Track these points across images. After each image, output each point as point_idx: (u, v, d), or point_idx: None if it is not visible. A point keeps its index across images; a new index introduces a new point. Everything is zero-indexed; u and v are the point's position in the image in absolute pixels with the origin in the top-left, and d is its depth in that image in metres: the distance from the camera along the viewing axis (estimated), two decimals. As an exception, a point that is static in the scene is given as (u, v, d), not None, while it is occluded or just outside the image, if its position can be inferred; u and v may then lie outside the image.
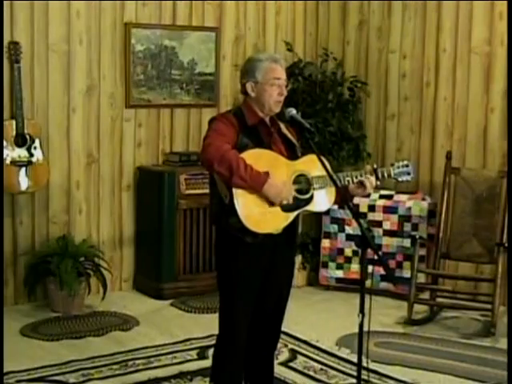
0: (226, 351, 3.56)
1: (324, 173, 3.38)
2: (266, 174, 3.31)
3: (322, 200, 3.48)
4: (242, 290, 3.46)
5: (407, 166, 3.64)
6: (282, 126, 3.58)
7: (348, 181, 3.49)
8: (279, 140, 3.52)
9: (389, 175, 3.60)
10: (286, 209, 3.38)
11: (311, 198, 3.44)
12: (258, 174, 3.28)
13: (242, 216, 3.28)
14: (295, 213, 3.42)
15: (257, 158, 3.32)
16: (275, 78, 3.42)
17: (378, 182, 3.57)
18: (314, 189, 3.42)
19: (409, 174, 3.64)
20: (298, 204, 3.41)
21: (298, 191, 3.42)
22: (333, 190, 3.47)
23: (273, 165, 3.36)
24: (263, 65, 3.43)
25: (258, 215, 3.32)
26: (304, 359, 4.69)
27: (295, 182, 3.42)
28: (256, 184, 3.27)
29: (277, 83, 3.43)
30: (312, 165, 3.44)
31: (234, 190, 3.28)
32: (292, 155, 3.50)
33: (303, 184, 3.43)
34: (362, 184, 3.51)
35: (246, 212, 3.29)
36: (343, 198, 3.48)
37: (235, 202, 3.28)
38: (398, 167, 3.63)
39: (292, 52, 6.47)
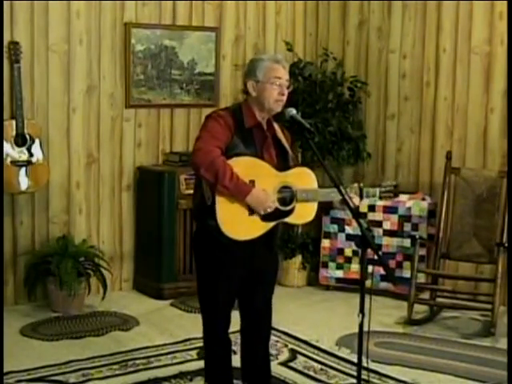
0: (213, 348, 3.65)
1: (310, 186, 3.46)
2: (251, 184, 3.35)
3: (303, 213, 3.52)
4: (221, 288, 3.52)
5: (395, 186, 3.72)
6: (279, 130, 3.59)
7: (333, 197, 3.51)
8: (272, 145, 3.54)
9: (373, 196, 3.66)
10: (266, 218, 3.41)
11: (292, 210, 3.47)
12: (242, 185, 3.32)
13: (220, 221, 3.34)
14: (273, 223, 3.46)
15: (244, 167, 3.35)
16: (276, 78, 3.43)
17: (362, 201, 3.66)
18: (296, 201, 3.45)
19: (394, 194, 3.74)
20: (277, 215, 3.44)
21: (281, 202, 3.44)
22: (315, 204, 3.53)
23: (260, 174, 3.40)
24: (264, 64, 3.45)
25: (236, 222, 3.37)
26: (304, 359, 4.68)
27: (279, 192, 3.45)
28: (239, 194, 3.32)
29: (277, 82, 3.44)
30: (299, 178, 3.49)
31: (217, 196, 3.33)
32: (283, 162, 3.53)
33: (286, 196, 3.46)
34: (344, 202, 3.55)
35: (224, 217, 3.34)
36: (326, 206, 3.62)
37: (216, 206, 3.34)
38: (386, 187, 3.68)
39: (292, 52, 6.47)
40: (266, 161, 3.45)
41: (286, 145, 3.58)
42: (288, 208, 3.45)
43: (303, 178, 3.49)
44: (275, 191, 3.42)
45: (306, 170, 3.53)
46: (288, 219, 3.48)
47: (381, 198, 3.72)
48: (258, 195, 3.34)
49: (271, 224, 3.45)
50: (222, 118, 3.44)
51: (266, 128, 3.53)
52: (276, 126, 3.58)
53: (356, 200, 3.54)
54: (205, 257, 3.55)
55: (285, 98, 3.47)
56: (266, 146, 3.50)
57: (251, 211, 3.38)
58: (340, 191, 3.33)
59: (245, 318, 3.69)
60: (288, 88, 3.49)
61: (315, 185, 3.52)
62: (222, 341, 3.63)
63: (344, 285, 6.09)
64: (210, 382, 3.69)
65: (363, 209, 5.98)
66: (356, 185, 3.62)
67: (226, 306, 3.58)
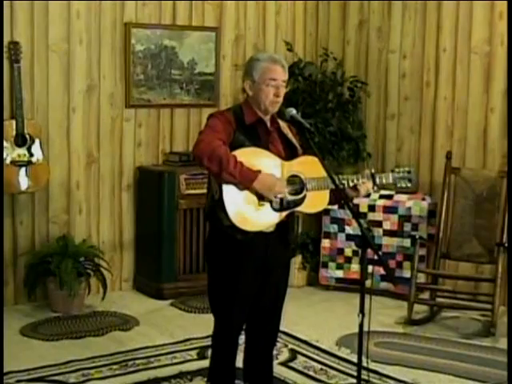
0: (224, 349, 3.60)
1: (318, 175, 3.38)
2: (258, 170, 3.30)
3: (315, 202, 3.47)
4: (237, 288, 3.46)
5: (409, 172, 3.61)
6: (284, 125, 3.57)
7: (344, 184, 3.49)
8: (278, 139, 3.51)
9: (387, 182, 3.59)
10: (277, 209, 3.38)
11: (303, 198, 3.43)
12: (248, 171, 3.28)
13: (230, 212, 3.29)
14: (285, 213, 3.42)
15: (250, 157, 3.32)
16: (271, 79, 3.41)
17: (375, 188, 3.57)
18: (307, 190, 3.42)
19: (410, 180, 3.60)
20: (289, 204, 3.41)
21: (291, 191, 3.41)
22: (326, 192, 3.47)
23: (266, 164, 3.36)
24: (261, 65, 3.43)
25: (246, 213, 3.32)
26: (304, 359, 4.69)
27: (289, 182, 3.41)
28: (246, 180, 3.27)
29: (273, 84, 3.42)
30: (307, 166, 3.44)
31: (224, 186, 3.29)
32: (291, 156, 3.49)
33: (296, 184, 3.43)
34: (356, 188, 3.52)
35: (234, 208, 3.29)
36: (338, 199, 3.52)
37: (224, 197, 3.29)
38: (399, 172, 3.61)
39: (292, 52, 6.47)
40: (273, 153, 3.43)
41: (294, 139, 3.55)
42: (299, 197, 3.41)
43: (310, 166, 3.41)
44: (284, 179, 3.38)
45: (312, 158, 3.40)
46: (299, 208, 3.43)
47: (397, 185, 3.58)
48: (265, 180, 3.29)
49: (283, 214, 3.39)
50: (221, 116, 3.44)
51: (270, 124, 3.51)
52: (281, 122, 3.55)
53: (369, 184, 3.50)
54: (219, 257, 3.48)
55: (281, 99, 3.44)
56: (271, 139, 3.48)
57: (261, 199, 3.33)
58: (336, 185, 3.32)
59: (251, 317, 3.60)
60: (286, 87, 3.48)
61: (323, 172, 3.41)
62: (233, 342, 3.58)
63: (344, 285, 6.09)
64: (213, 382, 3.68)
65: (363, 209, 5.99)
66: (368, 171, 3.56)
67: (243, 306, 3.52)
